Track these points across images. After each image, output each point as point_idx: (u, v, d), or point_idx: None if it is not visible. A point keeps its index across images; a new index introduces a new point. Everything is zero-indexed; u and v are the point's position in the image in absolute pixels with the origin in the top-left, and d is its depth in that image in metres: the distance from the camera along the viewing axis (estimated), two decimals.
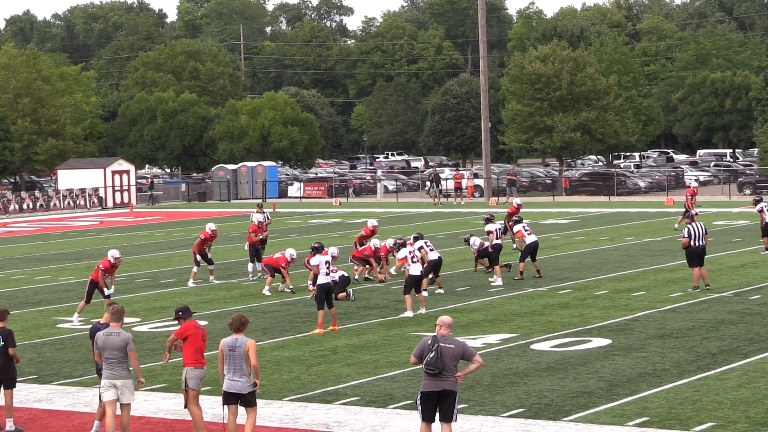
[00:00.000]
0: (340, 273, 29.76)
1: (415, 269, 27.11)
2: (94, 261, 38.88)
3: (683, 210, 48.12)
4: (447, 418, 15.11)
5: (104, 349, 16.56)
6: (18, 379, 18.54)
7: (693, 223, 30.05)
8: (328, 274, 25.78)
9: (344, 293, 29.44)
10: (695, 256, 29.67)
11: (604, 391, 18.98)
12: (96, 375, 17.44)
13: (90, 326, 17.85)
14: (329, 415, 18.17)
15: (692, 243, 29.57)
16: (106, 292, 27.46)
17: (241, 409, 16.24)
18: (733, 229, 47.80)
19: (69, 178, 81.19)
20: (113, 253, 27.83)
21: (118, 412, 16.53)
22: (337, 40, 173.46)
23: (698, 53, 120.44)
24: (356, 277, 33.48)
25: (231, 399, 16.17)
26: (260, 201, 58.84)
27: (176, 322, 17.11)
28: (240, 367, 16.02)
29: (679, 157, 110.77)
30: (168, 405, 18.96)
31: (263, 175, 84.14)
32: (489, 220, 34.18)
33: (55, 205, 77.06)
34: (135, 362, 16.58)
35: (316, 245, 28.03)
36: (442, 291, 30.99)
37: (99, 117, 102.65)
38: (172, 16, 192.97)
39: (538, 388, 19.33)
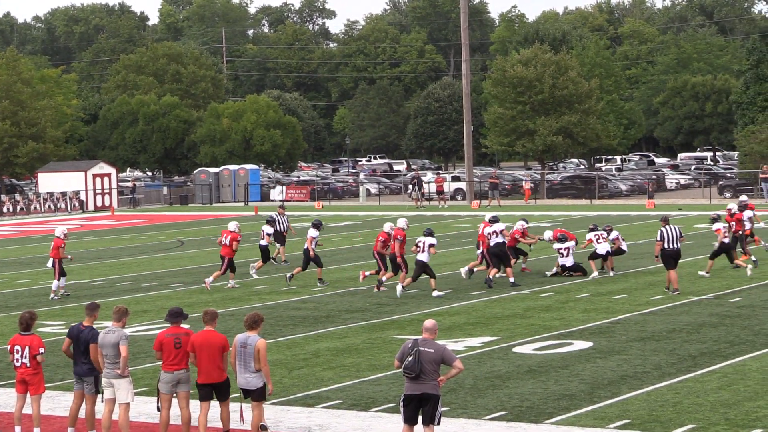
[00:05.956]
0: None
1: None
2: (77, 265, 38.88)
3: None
4: (428, 421, 15.16)
5: (102, 348, 16.63)
6: None
7: (667, 226, 30.18)
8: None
9: None
10: (671, 258, 29.84)
11: (586, 394, 19.03)
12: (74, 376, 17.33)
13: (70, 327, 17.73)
14: (311, 419, 18.17)
15: (666, 246, 29.71)
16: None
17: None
18: (714, 232, 47.68)
19: (49, 182, 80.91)
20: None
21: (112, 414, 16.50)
22: (319, 43, 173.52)
23: (679, 57, 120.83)
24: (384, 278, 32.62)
25: (244, 394, 16.47)
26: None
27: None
28: (249, 364, 16.32)
29: (661, 161, 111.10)
30: (149, 409, 18.92)
31: (245, 178, 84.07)
32: (716, 219, 34.35)
33: (35, 208, 76.84)
34: (123, 355, 16.51)
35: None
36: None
37: (80, 120, 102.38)
38: (153, 19, 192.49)
39: (520, 391, 19.37)
